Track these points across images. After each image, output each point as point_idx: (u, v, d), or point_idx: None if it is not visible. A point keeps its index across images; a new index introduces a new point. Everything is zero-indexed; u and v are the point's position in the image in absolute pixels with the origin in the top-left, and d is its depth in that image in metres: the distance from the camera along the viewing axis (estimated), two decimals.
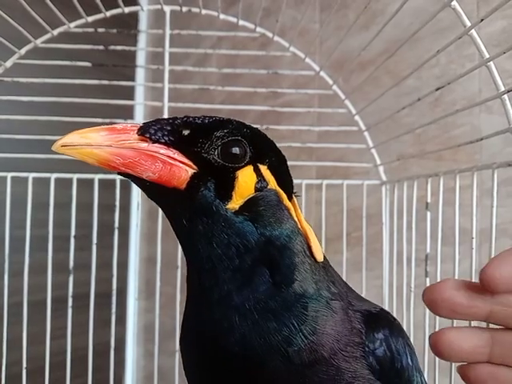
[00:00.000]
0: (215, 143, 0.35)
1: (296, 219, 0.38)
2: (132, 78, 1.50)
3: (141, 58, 1.57)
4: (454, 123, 0.89)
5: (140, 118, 1.53)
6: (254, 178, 0.36)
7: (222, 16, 0.77)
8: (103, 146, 0.33)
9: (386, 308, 0.76)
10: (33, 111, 0.74)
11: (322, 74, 0.79)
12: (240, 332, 0.34)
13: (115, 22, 0.78)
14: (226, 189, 0.35)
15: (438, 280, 0.59)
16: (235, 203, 0.35)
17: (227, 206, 0.35)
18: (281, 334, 0.34)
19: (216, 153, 0.35)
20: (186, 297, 0.39)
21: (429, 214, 0.63)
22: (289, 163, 0.97)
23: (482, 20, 0.44)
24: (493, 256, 0.48)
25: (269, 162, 0.38)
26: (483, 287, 0.25)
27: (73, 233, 0.76)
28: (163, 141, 0.34)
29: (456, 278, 0.56)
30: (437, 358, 0.59)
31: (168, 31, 0.78)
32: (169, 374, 0.79)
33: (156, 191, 0.35)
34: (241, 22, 0.77)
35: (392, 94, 0.66)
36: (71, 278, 0.75)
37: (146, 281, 1.51)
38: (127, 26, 1.43)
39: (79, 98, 0.76)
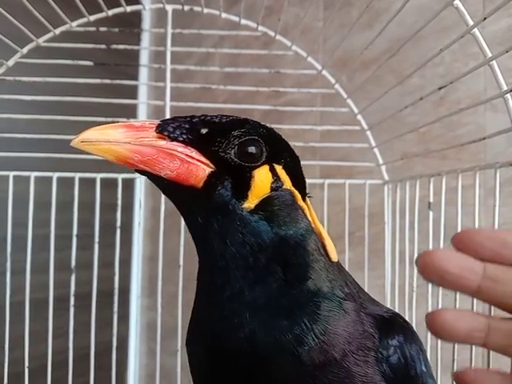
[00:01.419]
0: (232, 142, 0.36)
1: (310, 219, 0.38)
2: (134, 77, 1.50)
3: (144, 57, 1.57)
4: (458, 122, 0.88)
5: (143, 117, 1.53)
6: (269, 177, 0.36)
7: (223, 15, 0.77)
8: (122, 142, 0.33)
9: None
10: (35, 110, 0.74)
11: (325, 72, 0.79)
12: (249, 328, 0.34)
13: (117, 20, 0.78)
14: (243, 188, 0.35)
15: None
16: (251, 202, 0.35)
17: (243, 206, 0.35)
18: (292, 332, 0.34)
19: (233, 152, 0.35)
20: (196, 294, 0.39)
21: (431, 213, 0.62)
22: None
23: (484, 19, 0.43)
24: None
25: (284, 162, 0.38)
26: (461, 246, 0.26)
27: (75, 232, 0.76)
28: (181, 139, 0.34)
29: None
30: (439, 358, 0.59)
31: (170, 30, 0.78)
32: (171, 372, 0.79)
33: (173, 189, 0.35)
34: (243, 21, 0.77)
35: (395, 92, 0.66)
36: (73, 277, 0.75)
37: (149, 279, 1.51)
38: (129, 25, 1.43)
39: (81, 97, 0.76)
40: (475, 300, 0.53)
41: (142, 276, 1.52)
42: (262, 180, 0.36)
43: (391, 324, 0.37)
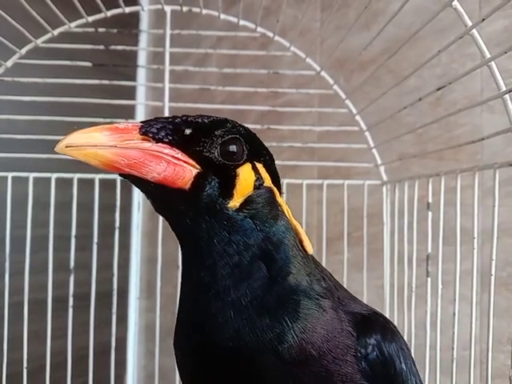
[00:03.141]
0: (216, 142, 0.36)
1: (287, 215, 0.39)
2: (133, 77, 1.50)
3: (142, 58, 1.57)
4: (455, 123, 0.88)
5: (141, 117, 1.53)
6: (252, 175, 0.37)
7: (222, 16, 0.77)
8: (107, 146, 0.32)
9: (387, 308, 0.76)
10: (33, 111, 0.74)
11: (323, 73, 0.79)
12: (234, 327, 0.35)
13: (116, 21, 0.78)
14: (228, 187, 0.36)
15: (440, 280, 0.59)
16: (236, 201, 0.36)
17: (229, 205, 0.35)
18: (273, 330, 0.34)
19: (217, 151, 0.36)
20: (180, 296, 0.40)
21: (430, 213, 0.62)
22: (290, 163, 0.96)
23: (483, 20, 0.44)
24: (494, 256, 0.48)
25: (263, 160, 0.39)
26: None
27: (74, 232, 0.76)
28: (167, 140, 0.34)
29: (458, 277, 0.56)
30: (438, 358, 0.59)
31: (168, 31, 0.78)
32: (169, 373, 0.79)
33: (159, 192, 0.35)
34: (241, 22, 0.77)
35: (393, 93, 0.66)
36: (72, 278, 0.75)
37: (147, 281, 1.51)
38: (128, 25, 1.43)
39: (80, 98, 0.76)
40: (474, 301, 0.53)
41: (140, 277, 1.51)
42: (245, 178, 0.36)
43: (369, 322, 0.38)
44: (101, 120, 0.74)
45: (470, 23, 0.45)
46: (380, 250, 0.78)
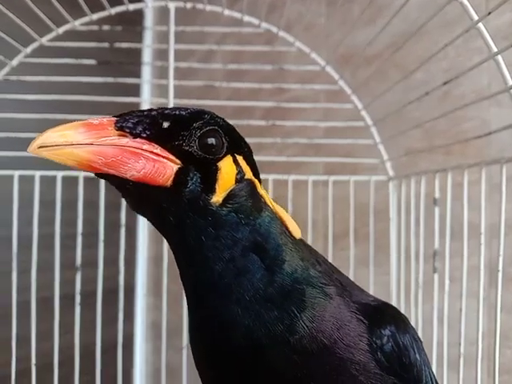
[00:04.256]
0: (194, 134, 0.34)
1: (270, 204, 0.39)
2: (137, 75, 1.50)
3: (146, 55, 1.57)
4: (463, 117, 0.87)
5: None
6: (234, 168, 0.36)
7: (226, 12, 0.77)
8: (83, 144, 0.31)
9: (394, 304, 0.76)
10: (39, 109, 0.75)
11: (328, 68, 0.79)
12: (244, 324, 0.34)
13: (120, 19, 0.78)
14: (210, 182, 0.35)
15: (447, 276, 0.59)
16: (219, 196, 0.35)
17: (212, 200, 0.34)
18: (283, 322, 0.34)
19: (196, 144, 0.34)
20: (185, 294, 0.39)
21: (437, 209, 0.62)
22: (296, 159, 0.96)
23: (489, 13, 0.43)
24: (502, 251, 0.47)
25: (243, 152, 0.38)
26: None
27: (80, 230, 0.76)
28: (144, 135, 0.33)
29: (465, 273, 0.56)
30: (445, 354, 0.59)
31: (173, 28, 0.77)
32: (177, 369, 0.79)
33: (139, 191, 0.33)
34: (245, 18, 0.77)
35: (399, 88, 0.65)
36: (79, 275, 0.75)
37: (154, 278, 1.52)
38: (132, 23, 1.42)
39: (85, 96, 0.76)
40: (481, 297, 0.53)
41: (147, 275, 1.52)
42: (227, 172, 0.35)
43: (382, 313, 0.38)
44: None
45: (476, 17, 0.44)
46: (387, 245, 0.78)
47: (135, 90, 1.44)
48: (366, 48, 0.67)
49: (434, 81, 0.87)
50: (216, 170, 0.35)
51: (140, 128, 0.33)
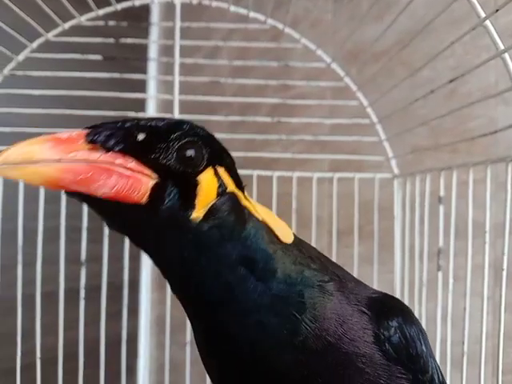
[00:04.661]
0: (172, 147, 0.32)
1: (256, 214, 0.37)
2: (143, 71, 1.50)
3: (152, 51, 1.57)
4: (469, 115, 0.87)
5: (152, 111, 1.53)
6: (215, 182, 0.34)
7: (232, 8, 0.77)
8: (50, 160, 0.28)
9: None
10: (45, 105, 0.75)
11: (333, 65, 0.78)
12: (248, 337, 0.34)
13: (126, 14, 0.78)
14: (189, 197, 0.32)
15: (451, 274, 0.59)
16: (199, 212, 0.33)
17: (192, 217, 0.32)
18: (286, 327, 0.34)
19: (174, 158, 0.32)
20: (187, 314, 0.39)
21: (442, 207, 0.62)
22: (301, 156, 0.96)
23: (497, 10, 0.43)
24: (506, 250, 0.47)
25: (225, 164, 0.36)
26: None
27: (85, 224, 0.76)
28: (118, 148, 0.31)
29: (469, 272, 0.55)
30: (449, 352, 0.59)
31: (178, 24, 0.77)
32: (180, 364, 0.79)
33: (112, 209, 0.31)
34: (251, 14, 0.77)
35: (406, 85, 0.65)
36: (83, 270, 0.76)
37: (158, 273, 1.52)
38: (138, 18, 1.43)
39: (91, 92, 0.76)
40: (485, 295, 0.52)
41: (151, 270, 1.52)
42: (208, 186, 0.33)
43: (389, 305, 0.38)
44: (112, 113, 0.75)
45: (483, 14, 0.44)
46: (391, 243, 0.78)
47: (141, 86, 1.44)
48: (373, 45, 0.67)
49: (441, 79, 0.86)
50: (196, 184, 0.33)
51: (113, 141, 0.31)
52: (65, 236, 0.75)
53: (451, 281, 0.58)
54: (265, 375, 0.35)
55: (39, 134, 0.31)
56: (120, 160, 0.31)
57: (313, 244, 0.74)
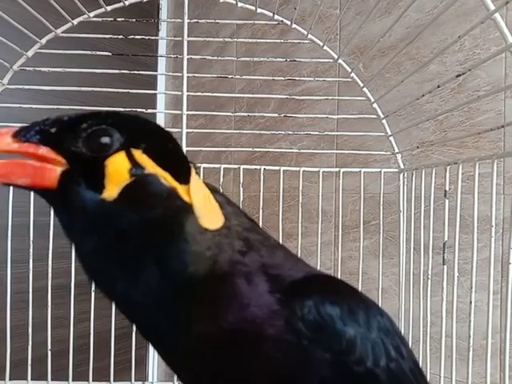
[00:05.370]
0: (80, 135, 0.35)
1: (185, 197, 0.36)
2: (152, 67, 1.51)
3: (161, 47, 1.58)
4: (477, 109, 0.87)
5: (161, 106, 1.54)
6: (125, 164, 0.35)
7: (240, 4, 0.77)
8: None
9: (403, 295, 0.76)
10: (54, 100, 0.76)
11: (341, 61, 0.79)
12: (168, 340, 0.36)
13: (134, 10, 0.79)
14: (97, 180, 0.34)
15: (456, 268, 0.59)
16: (111, 192, 0.34)
17: (102, 196, 0.34)
18: (201, 321, 0.34)
19: (82, 144, 0.35)
20: None
21: (447, 202, 0.62)
22: (308, 151, 0.96)
23: (507, 2, 0.43)
24: None
25: (144, 146, 0.36)
26: None
27: None
28: (34, 140, 0.34)
29: (474, 266, 0.55)
30: (454, 345, 0.59)
31: (187, 20, 0.78)
32: None
33: (40, 195, 0.35)
34: (259, 10, 0.77)
35: (414, 80, 0.65)
36: None
37: None
38: (146, 15, 1.43)
39: (100, 88, 0.77)
40: (491, 290, 0.52)
41: None
42: (116, 168, 0.34)
43: (308, 285, 0.37)
44: (121, 109, 0.75)
45: (492, 7, 0.44)
46: (397, 237, 0.78)
47: (150, 82, 1.45)
48: (380, 40, 0.67)
49: (450, 73, 0.86)
50: (103, 167, 0.35)
51: (31, 133, 0.35)
52: None
53: (456, 274, 0.58)
54: (186, 369, 0.37)
55: None
56: (32, 149, 0.34)
57: (319, 238, 0.75)
